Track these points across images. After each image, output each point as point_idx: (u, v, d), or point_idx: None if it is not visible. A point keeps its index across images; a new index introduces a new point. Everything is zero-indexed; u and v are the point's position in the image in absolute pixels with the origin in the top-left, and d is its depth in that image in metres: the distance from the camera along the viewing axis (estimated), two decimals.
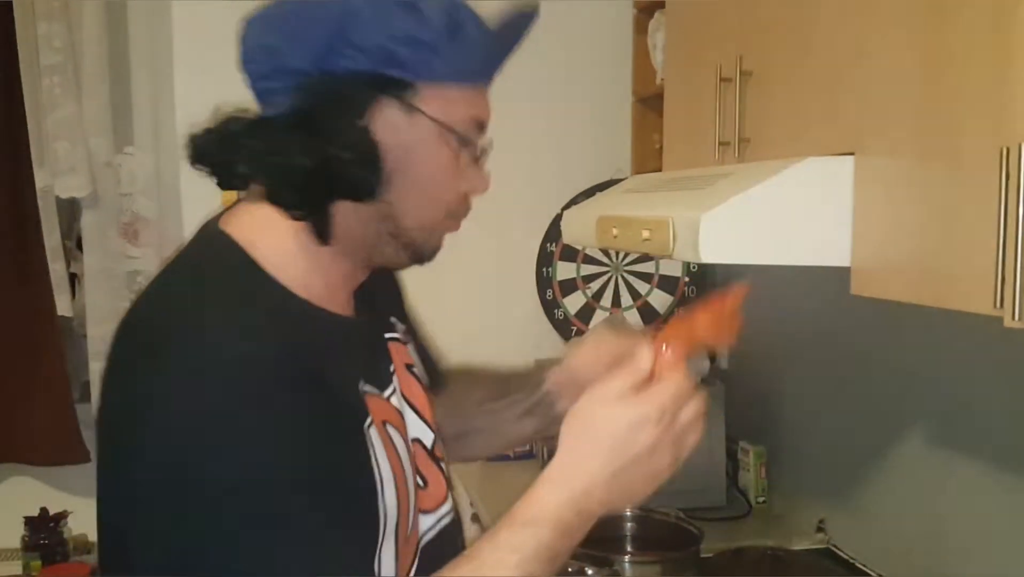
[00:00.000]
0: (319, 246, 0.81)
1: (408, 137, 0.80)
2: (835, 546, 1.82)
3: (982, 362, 1.45)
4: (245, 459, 0.69)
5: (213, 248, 0.81)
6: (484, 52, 0.84)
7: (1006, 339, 1.36)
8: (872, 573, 1.69)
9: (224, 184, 0.83)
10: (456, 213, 0.86)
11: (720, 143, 1.49)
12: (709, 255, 1.12)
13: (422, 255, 0.86)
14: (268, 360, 0.72)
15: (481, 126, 0.85)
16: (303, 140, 0.77)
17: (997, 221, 0.87)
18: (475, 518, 2.03)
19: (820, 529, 1.86)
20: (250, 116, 0.81)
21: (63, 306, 2.06)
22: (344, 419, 0.78)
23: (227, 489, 0.68)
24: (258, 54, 0.80)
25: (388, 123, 0.79)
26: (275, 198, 0.80)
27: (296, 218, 0.80)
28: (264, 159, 0.78)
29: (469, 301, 2.31)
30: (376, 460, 0.79)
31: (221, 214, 0.85)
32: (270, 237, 0.80)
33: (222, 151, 0.80)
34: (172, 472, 0.69)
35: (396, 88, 0.78)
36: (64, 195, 2.03)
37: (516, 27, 0.87)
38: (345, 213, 0.80)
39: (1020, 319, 0.85)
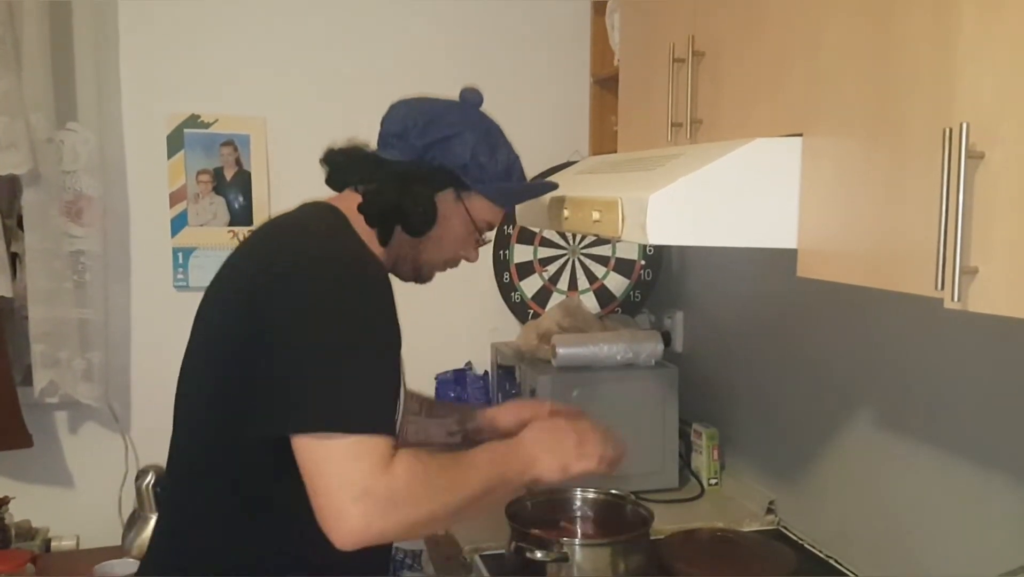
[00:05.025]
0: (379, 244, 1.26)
1: (449, 215, 1.27)
2: (785, 527, 1.84)
3: (928, 345, 1.47)
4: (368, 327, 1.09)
5: (333, 214, 1.22)
6: (515, 194, 1.36)
7: (950, 321, 1.38)
8: (820, 553, 1.71)
9: (335, 185, 1.31)
10: (450, 264, 1.34)
11: (673, 124, 1.48)
12: (656, 236, 1.11)
13: (420, 279, 1.34)
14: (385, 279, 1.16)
15: (491, 227, 1.33)
16: (401, 188, 1.22)
17: (939, 202, 0.87)
18: None
19: (770, 511, 1.88)
20: (369, 151, 1.30)
21: (3, 287, 1.99)
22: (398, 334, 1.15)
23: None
24: (396, 124, 1.27)
25: (445, 201, 1.26)
26: (366, 211, 1.22)
27: (371, 226, 1.23)
28: (378, 193, 1.23)
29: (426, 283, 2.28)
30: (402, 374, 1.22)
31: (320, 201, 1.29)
32: (361, 224, 1.24)
33: (351, 169, 1.28)
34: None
35: (459, 185, 1.26)
36: (3, 172, 1.96)
37: (537, 190, 1.38)
38: (399, 236, 1.25)
39: (959, 301, 0.86)
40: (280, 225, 1.23)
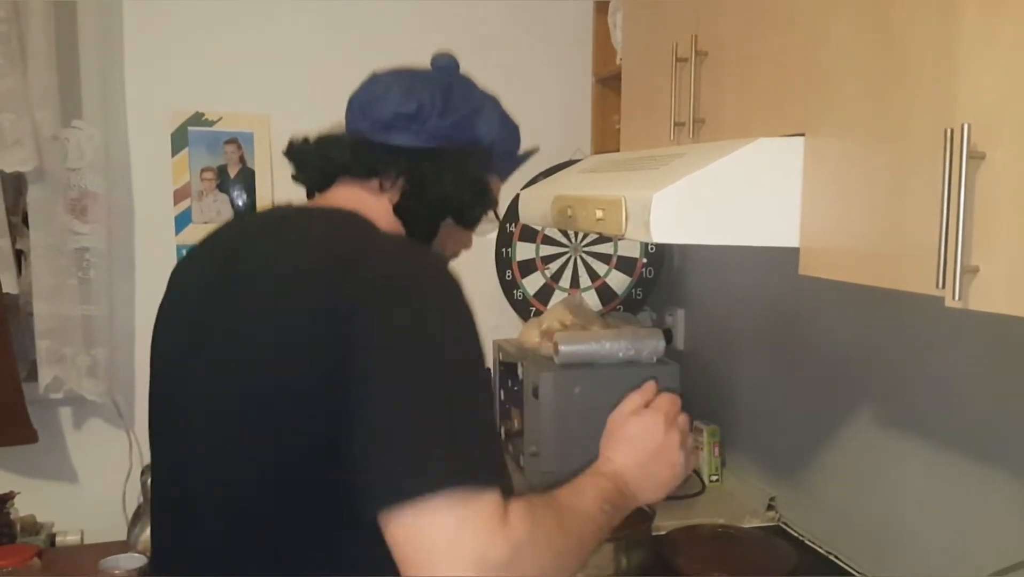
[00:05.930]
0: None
1: None
2: (785, 524, 1.85)
3: (928, 343, 1.48)
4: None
5: (364, 221, 1.01)
6: (513, 164, 1.20)
7: (950, 319, 1.39)
8: (821, 549, 1.72)
9: (323, 180, 1.12)
10: (456, 255, 1.17)
11: (676, 123, 1.49)
12: (660, 235, 1.12)
13: None
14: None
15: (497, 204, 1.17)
16: (458, 177, 1.07)
17: (940, 202, 0.87)
18: None
19: (771, 507, 1.89)
20: (374, 140, 1.07)
21: (8, 283, 2.01)
22: None
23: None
24: (406, 104, 1.05)
25: None
26: (413, 206, 1.06)
27: (415, 224, 1.07)
28: (424, 187, 1.06)
29: None
30: None
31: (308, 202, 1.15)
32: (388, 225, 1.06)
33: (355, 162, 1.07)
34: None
35: (487, 164, 1.11)
36: (9, 169, 1.97)
37: (524, 159, 1.22)
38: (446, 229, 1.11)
39: (960, 299, 0.87)
40: (332, 240, 0.96)
